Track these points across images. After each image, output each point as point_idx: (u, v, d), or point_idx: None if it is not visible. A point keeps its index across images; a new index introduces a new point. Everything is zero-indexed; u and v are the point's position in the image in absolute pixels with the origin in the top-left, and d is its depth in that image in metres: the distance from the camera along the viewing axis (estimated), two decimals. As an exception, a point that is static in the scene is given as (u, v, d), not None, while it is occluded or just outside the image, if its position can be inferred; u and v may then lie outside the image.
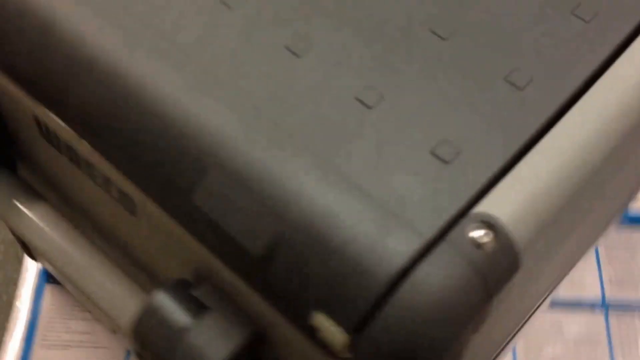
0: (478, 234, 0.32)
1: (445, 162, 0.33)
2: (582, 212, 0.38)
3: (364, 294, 0.31)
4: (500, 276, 0.32)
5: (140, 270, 0.44)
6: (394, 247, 0.31)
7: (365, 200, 0.32)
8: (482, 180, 0.33)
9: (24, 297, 0.65)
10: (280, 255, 0.32)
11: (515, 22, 0.37)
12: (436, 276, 0.31)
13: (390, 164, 0.33)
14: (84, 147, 0.37)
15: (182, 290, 0.37)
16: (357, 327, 0.31)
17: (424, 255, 0.31)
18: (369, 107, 0.34)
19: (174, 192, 0.34)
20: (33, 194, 0.43)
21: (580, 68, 0.35)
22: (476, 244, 0.32)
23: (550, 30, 0.36)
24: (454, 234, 0.32)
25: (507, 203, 0.33)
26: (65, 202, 0.45)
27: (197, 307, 0.37)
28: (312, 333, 0.33)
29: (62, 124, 0.36)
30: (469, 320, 0.31)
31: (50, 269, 0.58)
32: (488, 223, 0.32)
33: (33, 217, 0.41)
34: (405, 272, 0.31)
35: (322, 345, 0.33)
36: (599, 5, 0.37)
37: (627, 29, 0.36)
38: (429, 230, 0.32)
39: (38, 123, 0.40)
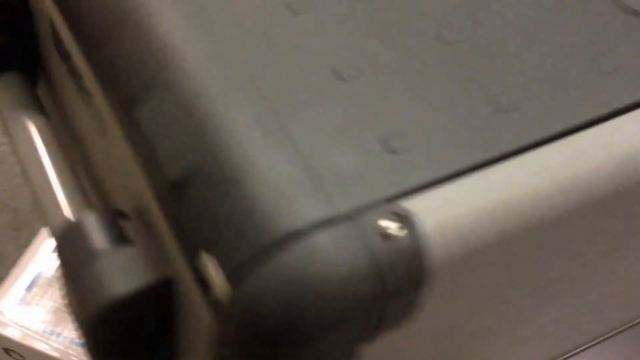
0: (388, 224, 0.29)
1: (391, 152, 0.31)
2: (540, 274, 0.35)
3: (251, 244, 0.29)
4: (401, 278, 0.30)
5: (102, 200, 0.43)
6: (298, 208, 0.29)
7: (292, 158, 0.31)
8: (419, 180, 0.31)
9: (32, 257, 0.66)
10: (193, 185, 0.31)
11: (527, 51, 0.35)
12: (325, 251, 0.29)
13: (336, 136, 0.31)
14: (77, 52, 0.37)
15: (113, 218, 0.37)
16: (235, 279, 0.29)
17: (326, 228, 0.29)
18: (342, 79, 0.33)
19: (126, 100, 0.34)
20: (37, 106, 0.43)
21: (570, 116, 0.33)
22: (383, 234, 0.29)
23: (559, 69, 0.34)
24: (364, 218, 0.30)
25: (434, 208, 0.30)
26: (63, 125, 0.45)
27: (119, 238, 0.36)
28: (203, 280, 0.31)
29: (64, 25, 0.37)
30: (347, 311, 0.29)
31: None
32: (402, 217, 0.30)
33: (25, 121, 0.42)
34: (297, 236, 0.29)
35: (210, 295, 0.31)
36: (620, 63, 0.35)
37: (633, 98, 0.34)
38: (342, 206, 0.30)
39: (52, 30, 0.41)
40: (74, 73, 0.39)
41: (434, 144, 0.32)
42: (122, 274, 0.35)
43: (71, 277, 0.36)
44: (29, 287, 0.65)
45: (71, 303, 0.37)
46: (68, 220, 0.36)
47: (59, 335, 0.63)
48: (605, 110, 0.33)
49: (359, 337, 0.31)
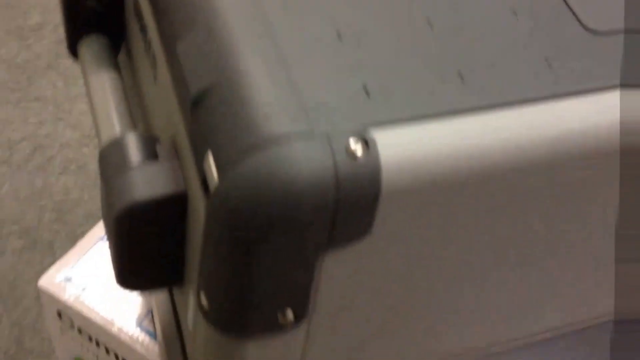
0: (354, 145, 0.36)
1: (369, 95, 0.38)
2: (483, 234, 0.41)
3: (239, 145, 0.36)
4: (357, 191, 0.35)
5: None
6: (282, 122, 0.36)
7: (287, 87, 0.37)
8: (387, 118, 0.37)
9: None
10: (208, 100, 0.38)
11: (496, 44, 0.41)
12: (297, 157, 0.35)
13: (326, 77, 0.38)
14: (145, 6, 0.46)
15: (149, 141, 0.44)
16: (223, 173, 0.36)
17: (301, 140, 0.35)
18: (342, 40, 0.40)
19: (171, 37, 0.41)
20: (113, 64, 0.52)
21: (517, 93, 0.39)
22: (349, 152, 0.35)
23: (517, 60, 0.40)
24: (335, 137, 0.36)
25: (395, 141, 0.36)
26: (130, 82, 0.53)
27: (150, 156, 0.43)
28: (204, 180, 0.37)
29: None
30: (307, 210, 0.35)
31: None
32: (368, 142, 0.36)
33: (101, 72, 0.50)
34: (276, 142, 0.35)
35: (206, 190, 0.37)
36: (571, 66, 0.41)
37: (576, 87, 0.40)
38: (318, 126, 0.36)
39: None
40: (143, 29, 0.47)
41: (405, 96, 0.38)
42: (146, 184, 0.42)
43: (105, 184, 0.43)
44: (96, 257, 0.73)
45: (103, 209, 0.44)
46: (113, 138, 0.44)
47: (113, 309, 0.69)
48: (547, 94, 0.39)
49: (317, 242, 0.36)
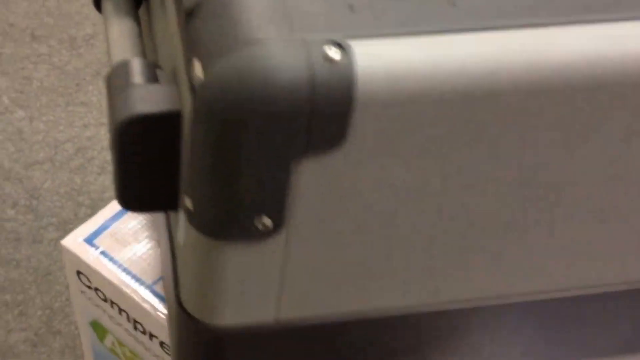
0: (331, 50, 0.38)
1: (352, 10, 0.40)
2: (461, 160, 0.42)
3: (222, 46, 0.38)
4: (332, 94, 0.38)
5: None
6: (265, 27, 0.38)
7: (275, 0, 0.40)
8: (366, 31, 0.39)
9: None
10: (199, 10, 0.41)
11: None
12: (274, 58, 0.37)
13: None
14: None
15: (152, 66, 0.47)
16: (207, 71, 0.39)
17: (280, 43, 0.38)
18: None
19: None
20: (132, 13, 0.55)
21: (502, 19, 0.41)
22: (325, 57, 0.38)
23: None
24: (313, 42, 0.38)
25: (372, 51, 0.39)
26: (146, 33, 0.57)
27: (151, 78, 0.46)
28: (191, 84, 0.40)
29: None
30: (282, 109, 0.37)
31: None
32: (344, 49, 0.38)
33: (119, 15, 0.54)
34: (256, 43, 0.38)
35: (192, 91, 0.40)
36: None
37: (575, 17, 0.41)
38: (299, 33, 0.38)
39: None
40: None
41: (388, 13, 0.40)
42: (145, 100, 0.44)
43: (109, 101, 0.46)
44: (117, 224, 0.76)
45: (109, 126, 0.47)
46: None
47: (129, 273, 0.72)
48: (542, 22, 0.41)
49: (293, 144, 0.39)
